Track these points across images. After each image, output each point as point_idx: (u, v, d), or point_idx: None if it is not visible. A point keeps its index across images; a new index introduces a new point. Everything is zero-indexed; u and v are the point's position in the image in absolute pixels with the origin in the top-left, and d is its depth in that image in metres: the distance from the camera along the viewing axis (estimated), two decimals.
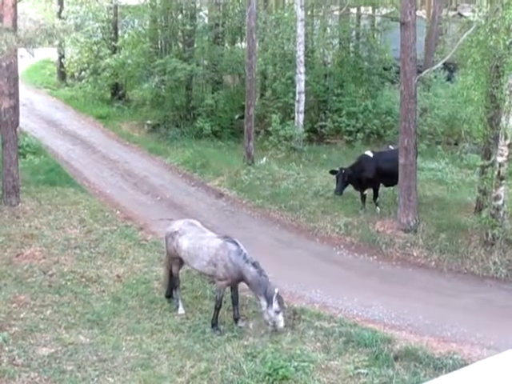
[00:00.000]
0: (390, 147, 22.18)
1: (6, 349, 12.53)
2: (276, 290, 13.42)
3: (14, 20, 20.52)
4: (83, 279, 15.92)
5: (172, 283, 14.83)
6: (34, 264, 16.54)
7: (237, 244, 13.87)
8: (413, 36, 18.69)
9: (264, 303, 13.49)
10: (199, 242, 14.11)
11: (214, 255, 13.79)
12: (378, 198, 20.97)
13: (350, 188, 21.55)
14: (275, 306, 13.37)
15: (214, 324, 13.80)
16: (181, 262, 14.70)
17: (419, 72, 20.50)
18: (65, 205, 21.18)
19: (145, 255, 17.82)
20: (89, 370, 12.09)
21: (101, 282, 15.88)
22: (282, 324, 13.61)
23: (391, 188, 21.32)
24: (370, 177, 20.48)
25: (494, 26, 16.33)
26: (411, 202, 19.16)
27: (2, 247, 17.43)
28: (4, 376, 11.63)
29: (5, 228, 18.80)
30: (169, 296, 14.98)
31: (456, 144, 28.47)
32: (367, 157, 20.94)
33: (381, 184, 20.90)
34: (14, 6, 20.48)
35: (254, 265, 13.57)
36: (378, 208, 20.82)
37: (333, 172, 20.97)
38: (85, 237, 18.78)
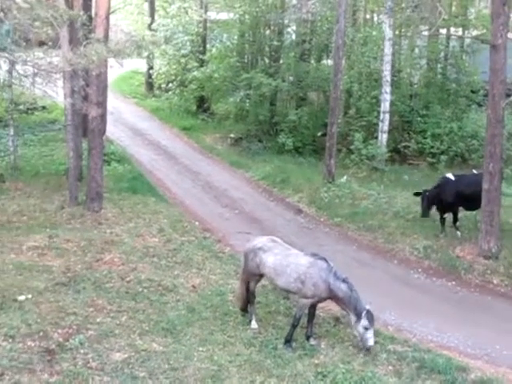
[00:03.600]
0: (474, 171, 21.76)
1: (82, 351, 12.73)
2: (367, 307, 13.31)
3: (106, 31, 21.11)
4: (159, 287, 16.07)
5: (247, 298, 14.80)
6: (113, 270, 16.80)
7: (326, 261, 13.74)
8: (503, 59, 18.30)
9: (353, 318, 13.39)
10: (286, 259, 13.95)
11: (304, 273, 13.63)
12: (458, 222, 20.54)
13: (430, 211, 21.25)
14: (364, 322, 13.21)
15: (288, 341, 13.71)
16: (259, 278, 14.69)
17: (508, 96, 20.06)
18: (145, 213, 21.52)
19: (221, 267, 17.90)
20: (160, 377, 12.18)
21: (176, 292, 15.97)
22: (371, 342, 13.39)
23: (473, 212, 20.85)
24: (450, 200, 20.05)
25: None
26: (493, 227, 18.70)
27: (84, 252, 17.78)
28: (78, 378, 11.82)
29: (87, 233, 19.22)
30: (243, 309, 14.97)
31: None
32: (448, 179, 20.52)
33: (461, 208, 20.47)
34: (107, 17, 21.07)
35: (345, 281, 13.46)
36: (458, 232, 20.40)
37: (417, 194, 20.72)
38: (163, 246, 19.00)
